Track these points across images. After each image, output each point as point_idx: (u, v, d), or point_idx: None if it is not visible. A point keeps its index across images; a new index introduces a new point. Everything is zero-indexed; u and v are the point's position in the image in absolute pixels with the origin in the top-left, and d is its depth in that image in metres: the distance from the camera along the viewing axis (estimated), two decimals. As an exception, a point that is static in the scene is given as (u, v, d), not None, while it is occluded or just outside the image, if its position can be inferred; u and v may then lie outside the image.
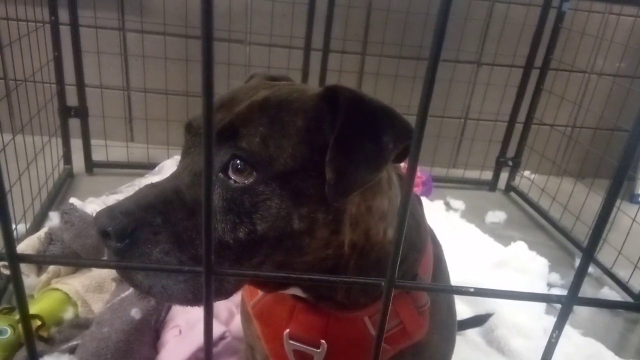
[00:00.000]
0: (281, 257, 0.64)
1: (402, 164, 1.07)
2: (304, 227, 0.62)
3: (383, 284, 0.29)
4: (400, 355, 0.79)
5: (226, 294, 0.64)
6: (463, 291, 0.31)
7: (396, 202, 0.73)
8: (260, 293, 0.82)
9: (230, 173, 0.61)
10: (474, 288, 0.31)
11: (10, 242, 0.27)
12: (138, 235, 0.57)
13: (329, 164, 0.59)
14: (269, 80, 0.80)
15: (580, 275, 0.32)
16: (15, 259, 0.27)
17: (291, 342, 0.78)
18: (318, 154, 0.61)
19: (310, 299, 0.75)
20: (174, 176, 0.64)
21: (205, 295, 0.28)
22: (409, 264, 0.76)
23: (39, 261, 0.32)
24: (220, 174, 0.61)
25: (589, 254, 0.32)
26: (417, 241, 0.78)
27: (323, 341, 0.75)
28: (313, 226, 0.63)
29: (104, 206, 0.61)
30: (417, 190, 2.25)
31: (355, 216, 0.67)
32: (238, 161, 0.60)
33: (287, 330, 0.77)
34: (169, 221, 0.58)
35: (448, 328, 0.88)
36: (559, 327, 0.31)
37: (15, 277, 0.28)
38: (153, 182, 0.65)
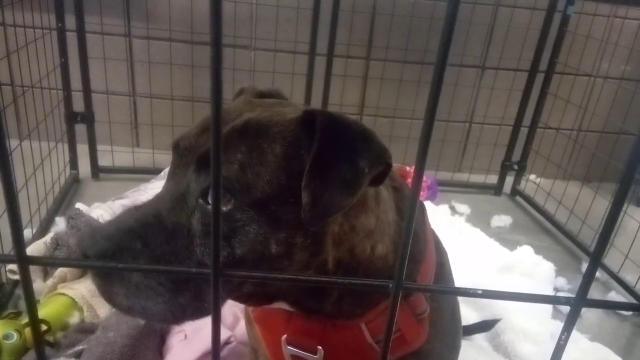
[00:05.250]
0: None
1: (408, 168, 1.06)
2: (281, 251, 0.63)
3: (391, 285, 0.29)
4: None
5: (207, 313, 0.65)
6: (471, 293, 0.31)
7: (386, 218, 0.73)
8: None
9: (209, 199, 0.62)
10: (482, 290, 0.31)
11: (21, 244, 0.28)
12: (118, 259, 0.59)
13: (304, 189, 0.59)
14: (258, 96, 0.80)
15: (589, 277, 0.31)
16: (25, 261, 0.28)
17: (289, 347, 0.78)
18: (296, 180, 0.61)
19: (299, 313, 0.75)
20: (157, 199, 0.66)
21: (213, 298, 0.28)
22: (405, 273, 0.75)
23: (49, 263, 0.32)
24: (200, 200, 0.62)
25: (596, 258, 0.31)
26: (414, 251, 0.77)
27: (320, 347, 0.75)
28: (291, 250, 0.64)
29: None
30: (422, 195, 2.25)
31: (339, 235, 0.67)
32: None
33: (285, 335, 0.77)
34: (148, 245, 0.60)
35: (452, 336, 0.87)
36: (567, 329, 0.31)
37: (25, 280, 0.29)
38: (136, 204, 0.66)
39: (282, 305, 0.74)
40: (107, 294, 0.62)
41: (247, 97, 0.79)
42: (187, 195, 0.64)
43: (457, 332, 0.90)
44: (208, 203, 0.62)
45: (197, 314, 0.65)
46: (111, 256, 0.59)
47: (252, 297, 0.72)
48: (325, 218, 0.61)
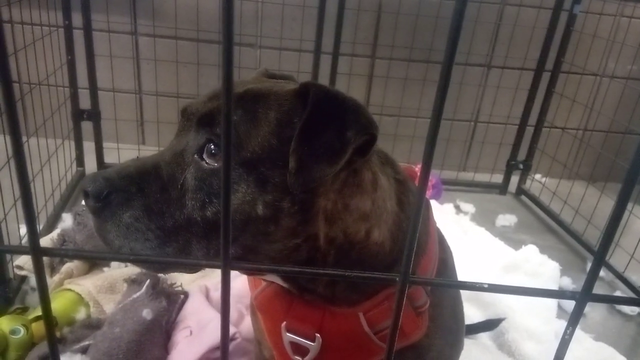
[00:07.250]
0: (249, 242, 0.67)
1: (416, 168, 1.06)
2: (268, 214, 0.65)
3: (397, 279, 0.30)
4: (400, 357, 0.78)
5: (191, 268, 0.72)
6: (477, 287, 0.31)
7: (384, 205, 0.73)
8: (263, 284, 0.83)
9: (204, 155, 0.66)
10: (488, 284, 0.31)
11: (34, 235, 0.28)
12: (113, 198, 0.64)
13: (292, 153, 0.62)
14: (270, 77, 0.84)
15: (594, 272, 0.32)
16: (39, 252, 0.28)
17: (288, 334, 0.79)
18: (287, 145, 0.63)
19: (292, 290, 0.77)
20: (159, 153, 0.70)
21: (222, 288, 0.29)
22: (404, 266, 0.75)
23: (61, 254, 0.33)
24: (195, 156, 0.67)
25: (600, 254, 0.32)
26: None
27: (318, 335, 0.76)
28: (278, 214, 0.65)
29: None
30: (427, 193, 2.25)
31: (331, 212, 0.69)
32: (212, 145, 0.65)
33: (285, 322, 0.79)
34: (143, 191, 0.65)
35: (452, 333, 0.87)
36: (572, 324, 0.32)
37: (39, 271, 0.29)
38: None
39: (275, 280, 0.77)
40: (101, 231, 0.66)
41: (257, 76, 0.83)
42: (185, 151, 0.68)
43: (458, 329, 0.90)
44: (202, 159, 0.66)
45: (181, 266, 0.70)
46: (107, 195, 0.64)
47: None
48: (310, 183, 0.63)
